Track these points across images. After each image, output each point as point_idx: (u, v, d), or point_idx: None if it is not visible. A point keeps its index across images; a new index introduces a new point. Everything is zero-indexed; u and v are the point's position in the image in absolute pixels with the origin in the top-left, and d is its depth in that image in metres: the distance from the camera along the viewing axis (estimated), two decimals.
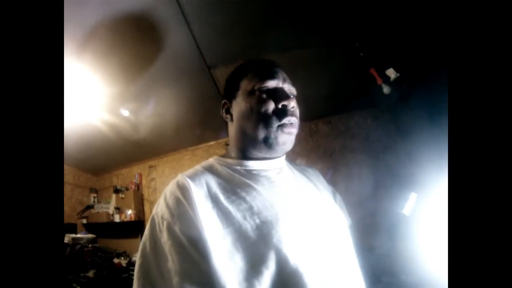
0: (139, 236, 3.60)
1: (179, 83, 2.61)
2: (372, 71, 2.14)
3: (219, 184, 0.68)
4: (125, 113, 2.82)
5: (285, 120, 0.72)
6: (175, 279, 0.55)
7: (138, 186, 3.88)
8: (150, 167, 3.94)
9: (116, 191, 3.82)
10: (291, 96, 0.75)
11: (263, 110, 0.72)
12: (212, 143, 3.65)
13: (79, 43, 1.94)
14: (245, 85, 0.77)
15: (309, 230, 0.65)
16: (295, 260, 0.58)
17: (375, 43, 2.05)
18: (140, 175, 3.96)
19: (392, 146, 2.78)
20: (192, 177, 0.68)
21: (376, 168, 2.69)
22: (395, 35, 1.90)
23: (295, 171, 0.83)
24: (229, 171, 0.73)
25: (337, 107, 3.03)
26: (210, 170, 0.74)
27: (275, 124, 0.71)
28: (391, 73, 2.03)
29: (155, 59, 2.25)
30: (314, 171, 0.92)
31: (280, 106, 0.72)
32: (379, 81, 2.14)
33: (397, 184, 2.57)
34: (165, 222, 0.61)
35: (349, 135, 3.05)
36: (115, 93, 2.54)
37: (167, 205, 0.64)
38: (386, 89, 2.14)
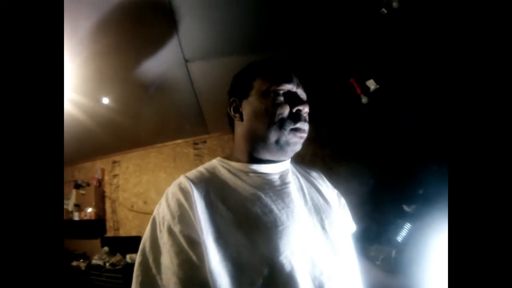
0: (99, 238, 3.40)
1: (153, 75, 2.45)
2: (352, 80, 2.10)
3: (221, 189, 0.68)
4: (105, 100, 2.66)
5: (299, 125, 0.71)
6: (172, 280, 0.55)
7: (100, 182, 3.64)
8: (114, 162, 3.70)
9: (77, 186, 3.58)
10: (306, 102, 0.75)
11: (278, 112, 0.71)
12: (179, 141, 3.47)
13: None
14: (259, 84, 0.75)
15: (308, 238, 0.65)
16: (291, 268, 0.58)
17: (357, 53, 2.01)
18: (103, 171, 3.72)
19: (360, 155, 2.80)
20: (194, 180, 0.67)
21: (344, 176, 2.70)
22: (377, 47, 1.87)
23: (299, 175, 0.81)
24: (232, 175, 0.72)
25: (310, 116, 3.02)
26: (213, 173, 0.73)
27: (289, 127, 0.71)
28: (371, 84, 1.98)
29: (130, 44, 2.09)
30: (318, 174, 0.91)
31: (294, 110, 0.72)
32: (358, 91, 2.09)
33: (367, 193, 2.58)
34: (165, 223, 0.62)
35: (319, 142, 3.06)
36: (80, 75, 2.30)
37: (169, 207, 0.64)
38: (364, 99, 2.09)
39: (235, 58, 2.31)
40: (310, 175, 0.87)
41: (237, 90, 0.80)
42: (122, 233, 3.38)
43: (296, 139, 0.72)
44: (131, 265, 2.95)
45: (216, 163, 0.77)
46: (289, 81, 0.74)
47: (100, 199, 3.54)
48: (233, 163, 0.75)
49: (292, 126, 0.71)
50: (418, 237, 1.89)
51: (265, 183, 0.71)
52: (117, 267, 2.88)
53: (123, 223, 3.42)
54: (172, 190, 0.67)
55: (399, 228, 2.01)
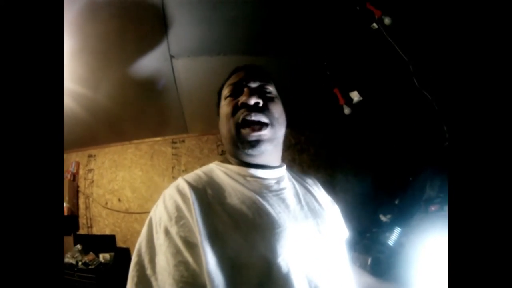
0: (72, 234, 3.27)
1: (137, 68, 2.39)
2: (336, 90, 2.12)
3: (218, 191, 0.68)
4: (90, 92, 2.57)
5: (247, 117, 0.70)
6: (168, 281, 0.55)
7: (74, 176, 3.49)
8: (90, 156, 3.56)
9: None
10: (254, 93, 0.73)
11: (227, 111, 0.73)
12: (158, 139, 3.39)
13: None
14: (224, 91, 0.79)
15: (305, 241, 0.66)
16: (288, 270, 0.58)
17: (343, 64, 2.03)
18: (78, 164, 3.56)
19: (338, 164, 2.85)
20: (192, 182, 0.68)
21: (322, 182, 2.74)
22: (365, 59, 1.89)
23: (295, 181, 0.83)
24: (229, 178, 0.72)
25: (290, 121, 3.05)
26: (211, 176, 0.73)
27: (237, 122, 0.71)
28: (355, 95, 1.99)
29: (116, 36, 2.04)
30: (313, 181, 0.93)
31: (239, 104, 0.72)
32: (341, 101, 2.11)
33: (343, 201, 2.62)
34: (162, 224, 0.62)
35: (298, 149, 3.10)
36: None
37: (166, 208, 0.64)
38: (347, 110, 2.11)
39: (222, 58, 2.28)
40: (305, 182, 0.89)
41: (218, 100, 0.84)
42: (95, 231, 3.28)
43: (252, 137, 0.71)
44: (104, 265, 2.89)
45: (213, 166, 0.78)
46: (234, 72, 0.76)
47: (74, 194, 3.38)
48: (231, 166, 0.76)
49: (239, 121, 0.71)
50: (395, 245, 1.96)
51: (262, 187, 0.72)
52: (90, 267, 2.79)
53: (96, 221, 3.31)
54: (169, 192, 0.67)
55: (387, 233, 2.06)
